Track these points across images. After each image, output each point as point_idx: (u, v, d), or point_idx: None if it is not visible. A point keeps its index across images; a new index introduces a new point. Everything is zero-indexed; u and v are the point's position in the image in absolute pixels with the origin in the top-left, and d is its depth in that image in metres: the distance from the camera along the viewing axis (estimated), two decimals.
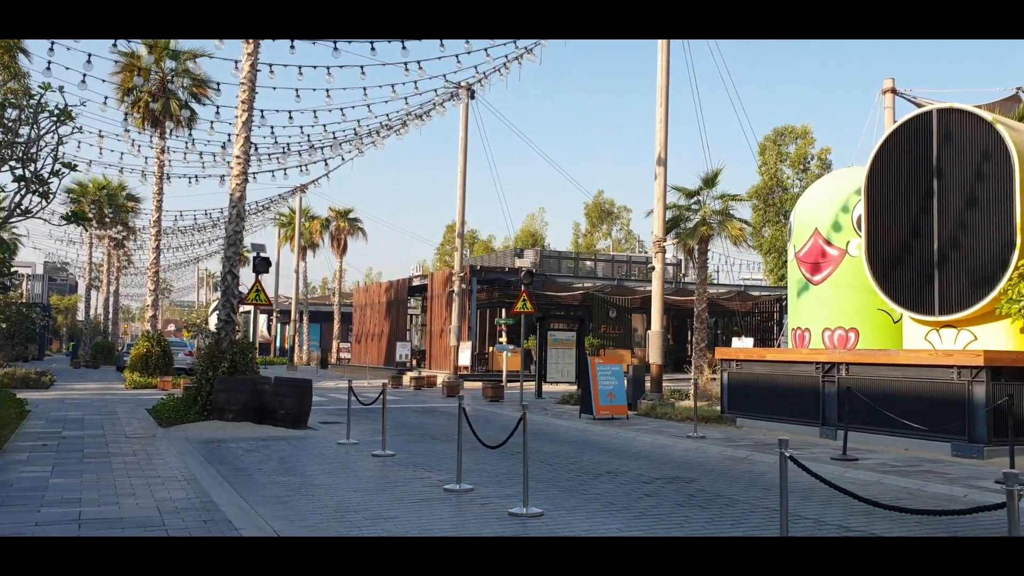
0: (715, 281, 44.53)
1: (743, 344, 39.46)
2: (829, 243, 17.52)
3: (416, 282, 41.84)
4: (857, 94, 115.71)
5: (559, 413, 20.97)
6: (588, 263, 46.74)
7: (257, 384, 16.45)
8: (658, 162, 21.49)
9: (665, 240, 21.49)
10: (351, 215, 54.52)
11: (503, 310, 32.05)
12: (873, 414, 14.46)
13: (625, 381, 19.98)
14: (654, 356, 21.51)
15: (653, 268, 21.44)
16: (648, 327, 45.23)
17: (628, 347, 40.02)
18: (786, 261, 49.39)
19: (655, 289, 21.73)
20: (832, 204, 17.63)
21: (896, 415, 13.97)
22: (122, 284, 64.70)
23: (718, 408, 20.61)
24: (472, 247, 70.32)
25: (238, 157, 18.17)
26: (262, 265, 19.86)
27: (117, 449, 12.90)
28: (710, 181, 24.25)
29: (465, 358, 32.58)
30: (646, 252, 58.00)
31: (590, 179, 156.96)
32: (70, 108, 13.52)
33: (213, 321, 76.81)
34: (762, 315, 45.60)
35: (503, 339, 31.48)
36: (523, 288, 23.92)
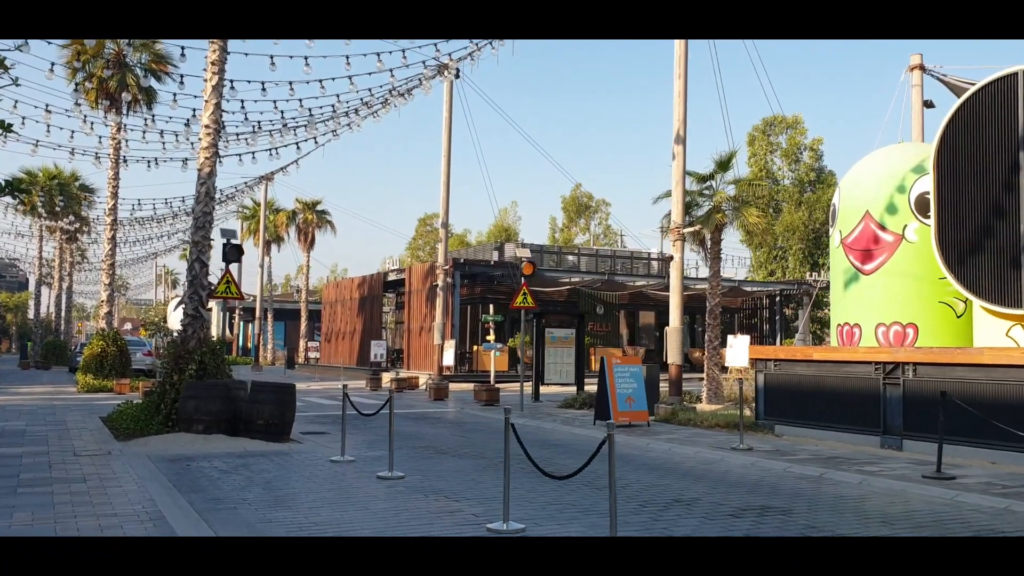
0: (691, 276, 42.63)
1: (738, 342, 37.58)
2: (883, 227, 15.51)
3: (392, 276, 39.37)
4: (858, 75, 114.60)
5: (569, 419, 18.79)
6: (571, 257, 44.66)
7: (231, 390, 14.07)
8: (676, 140, 19.38)
9: (685, 227, 19.38)
10: (319, 207, 51.91)
11: (492, 306, 29.85)
12: (951, 422, 12.43)
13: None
14: (672, 355, 19.41)
15: (671, 258, 19.33)
16: (637, 323, 43.28)
17: (617, 345, 37.97)
18: (776, 256, 47.74)
19: (674, 282, 19.64)
20: (886, 183, 15.62)
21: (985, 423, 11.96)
22: (76, 281, 61.48)
23: (747, 413, 18.59)
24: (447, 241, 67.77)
25: (207, 127, 15.75)
26: (233, 253, 17.45)
27: (63, 473, 10.47)
28: (724, 164, 22.19)
29: (449, 358, 30.27)
30: (627, 248, 56.08)
31: (568, 175, 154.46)
32: (3, 56, 11.06)
33: (172, 319, 73.56)
34: (747, 311, 43.86)
35: (490, 337, 29.22)
36: (523, 281, 21.70)
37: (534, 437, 15.81)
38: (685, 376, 31.77)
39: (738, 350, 35.90)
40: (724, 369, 23.11)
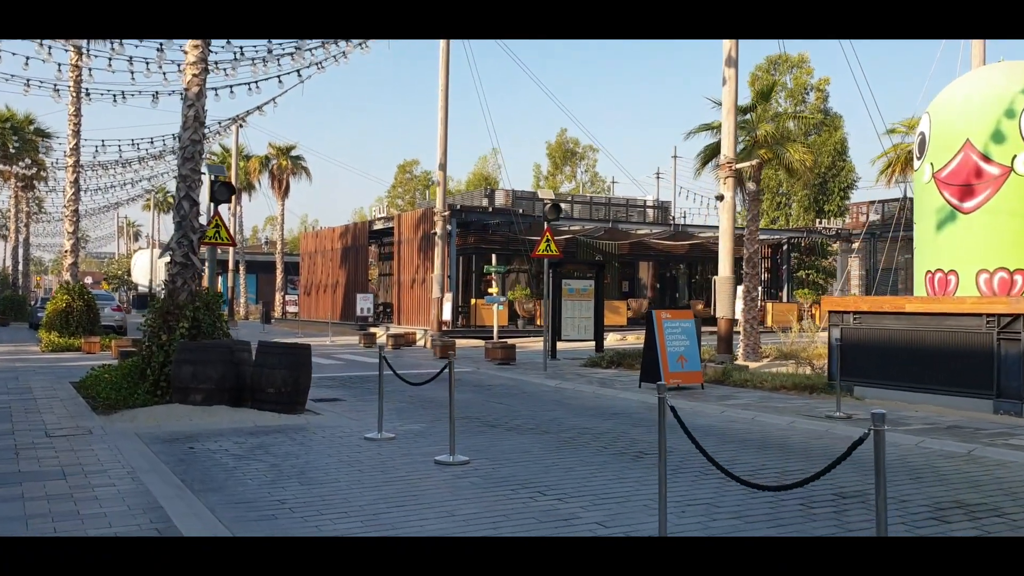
0: (696, 224, 40.56)
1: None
2: (987, 158, 13.40)
3: (379, 225, 36.81)
4: None
5: (605, 381, 16.70)
6: (563, 206, 42.28)
7: (234, 352, 11.74)
8: (728, 63, 17.10)
9: (737, 162, 17.16)
10: (293, 152, 48.94)
11: (494, 256, 27.65)
12: None
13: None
14: (722, 308, 17.34)
15: (721, 198, 17.14)
16: (637, 274, 41.22)
17: (617, 297, 35.91)
18: (779, 203, 45.71)
19: (724, 224, 17.51)
20: (990, 107, 13.50)
21: None
22: (32, 233, 58.16)
23: (808, 371, 16.63)
24: (427, 189, 65.05)
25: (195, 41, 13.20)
26: (223, 192, 15.00)
27: (34, 464, 8.14)
28: (765, 94, 19.97)
29: (447, 312, 28.03)
30: (615, 196, 53.85)
31: (550, 121, 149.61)
32: None
33: (136, 272, 70.43)
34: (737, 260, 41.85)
35: (493, 290, 27.04)
36: (547, 226, 19.42)
37: (579, 404, 13.71)
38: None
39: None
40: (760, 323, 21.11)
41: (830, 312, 14.76)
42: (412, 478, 7.91)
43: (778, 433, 10.78)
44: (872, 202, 45.30)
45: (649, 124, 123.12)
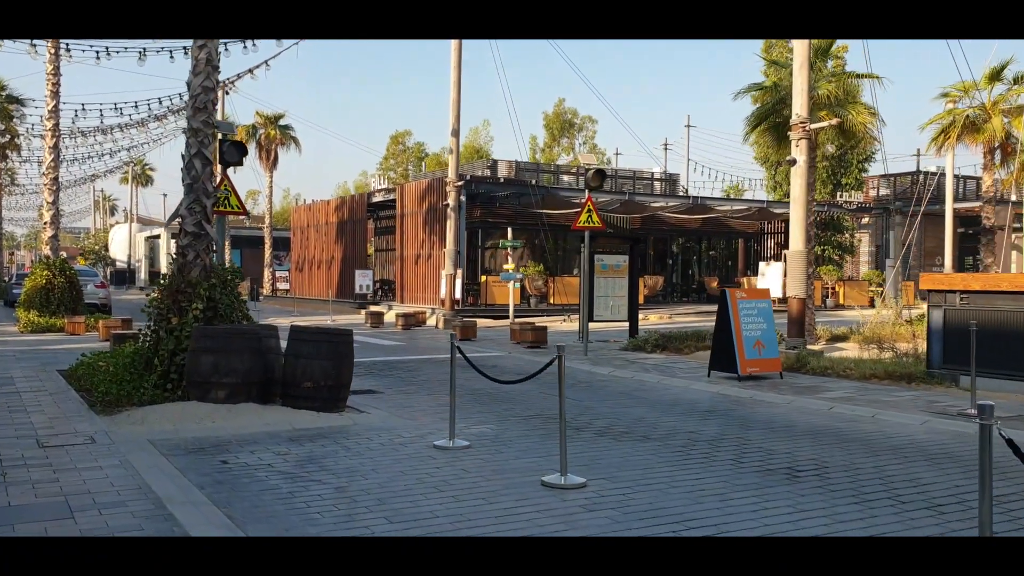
0: (708, 196, 38.74)
1: (771, 269, 34.03)
2: None
3: (378, 197, 34.66)
4: None
5: (663, 367, 14.90)
6: (566, 178, 40.40)
7: (262, 339, 9.80)
8: None
9: (809, 123, 15.32)
10: (282, 122, 46.58)
11: (510, 229, 25.77)
12: None
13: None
14: (794, 286, 15.53)
15: (794, 162, 15.31)
16: (648, 249, 39.40)
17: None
18: (787, 172, 43.93)
19: (796, 192, 15.68)
20: None
21: None
22: (4, 207, 55.66)
23: (888, 355, 14.90)
24: (423, 162, 62.79)
25: None
26: (233, 152, 13.05)
27: (26, 492, 6.21)
28: (824, 51, 18.18)
29: (457, 289, 26.13)
30: (621, 168, 51.93)
31: (541, 90, 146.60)
32: None
33: (114, 247, 67.91)
34: (752, 236, 40.29)
35: (509, 266, 25.16)
36: (588, 195, 17.55)
37: (654, 397, 11.89)
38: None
39: (771, 278, 31.91)
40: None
41: (930, 291, 13.01)
42: (526, 511, 6.06)
43: (925, 438, 8.99)
44: (884, 175, 43.77)
45: (653, 94, 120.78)
